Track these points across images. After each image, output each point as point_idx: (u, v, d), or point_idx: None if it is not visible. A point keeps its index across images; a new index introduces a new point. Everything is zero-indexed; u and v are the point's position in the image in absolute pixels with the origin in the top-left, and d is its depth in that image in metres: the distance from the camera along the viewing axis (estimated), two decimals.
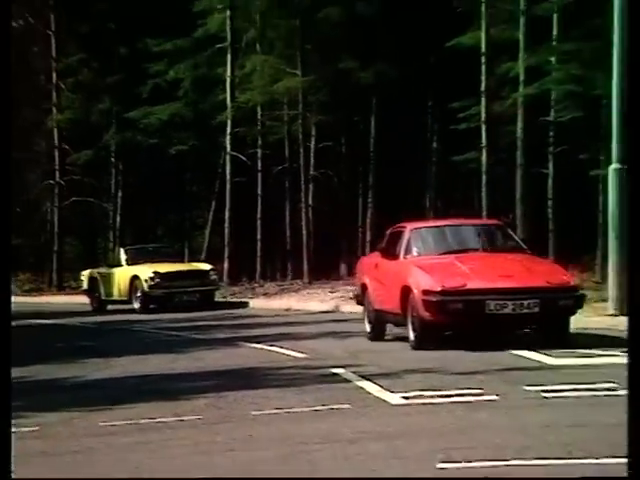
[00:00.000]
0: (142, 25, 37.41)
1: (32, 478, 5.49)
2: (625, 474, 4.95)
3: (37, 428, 9.22)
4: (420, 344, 13.80)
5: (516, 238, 16.25)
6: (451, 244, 15.38)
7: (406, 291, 14.12)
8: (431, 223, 18.35)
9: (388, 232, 16.57)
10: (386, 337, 15.94)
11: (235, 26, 34.82)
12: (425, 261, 14.64)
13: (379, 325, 15.86)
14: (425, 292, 13.61)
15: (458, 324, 13.82)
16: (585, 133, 27.31)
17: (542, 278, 13.93)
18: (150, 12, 37.22)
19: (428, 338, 13.79)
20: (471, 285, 13.63)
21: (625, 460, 5.00)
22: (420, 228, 15.92)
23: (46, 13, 40.86)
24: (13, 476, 5.10)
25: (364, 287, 16.40)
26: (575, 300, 13.88)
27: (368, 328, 16.08)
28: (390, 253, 15.53)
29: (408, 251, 15.06)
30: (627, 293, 4.88)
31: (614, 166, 18.03)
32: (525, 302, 13.42)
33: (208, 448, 7.75)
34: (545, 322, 13.96)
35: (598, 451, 6.93)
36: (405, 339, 14.54)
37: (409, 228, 15.58)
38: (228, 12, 34.55)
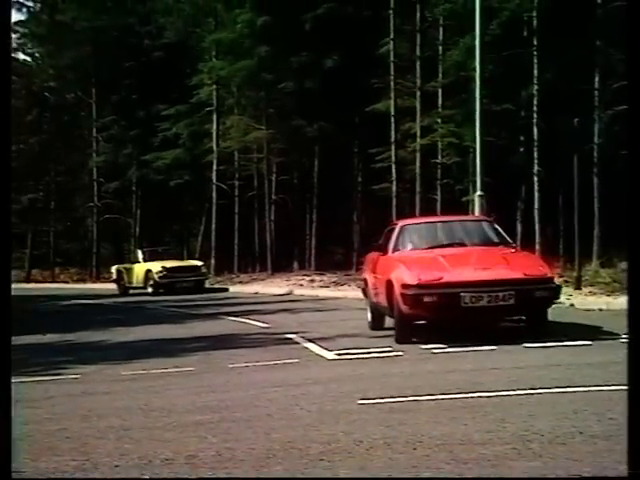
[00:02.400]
0: (155, 96, 37.82)
1: (32, 478, 4.96)
2: (625, 474, 4.05)
3: (79, 376, 9.04)
4: (400, 337, 10.41)
5: (503, 233, 12.07)
6: (437, 239, 11.82)
7: (390, 285, 10.71)
8: (420, 220, 14.26)
9: (386, 229, 12.95)
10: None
11: (219, 95, 35.07)
12: (408, 256, 11.26)
13: (378, 316, 12.30)
14: (403, 286, 10.21)
15: (435, 317, 10.40)
16: (460, 171, 27.56)
17: (519, 270, 10.31)
18: (160, 87, 37.57)
19: (408, 331, 10.46)
20: (447, 278, 10.15)
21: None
22: (409, 225, 12.46)
23: (89, 89, 41.54)
24: (14, 476, 4.49)
25: (365, 281, 13.04)
26: (551, 291, 10.28)
27: (369, 318, 12.63)
28: (383, 249, 12.05)
29: (396, 247, 11.73)
30: (627, 291, 3.92)
31: (477, 193, 18.12)
32: (500, 294, 9.96)
33: (197, 390, 7.63)
34: (521, 313, 10.69)
35: (464, 387, 6.85)
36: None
37: (399, 225, 12.36)
38: (214, 86, 34.90)
